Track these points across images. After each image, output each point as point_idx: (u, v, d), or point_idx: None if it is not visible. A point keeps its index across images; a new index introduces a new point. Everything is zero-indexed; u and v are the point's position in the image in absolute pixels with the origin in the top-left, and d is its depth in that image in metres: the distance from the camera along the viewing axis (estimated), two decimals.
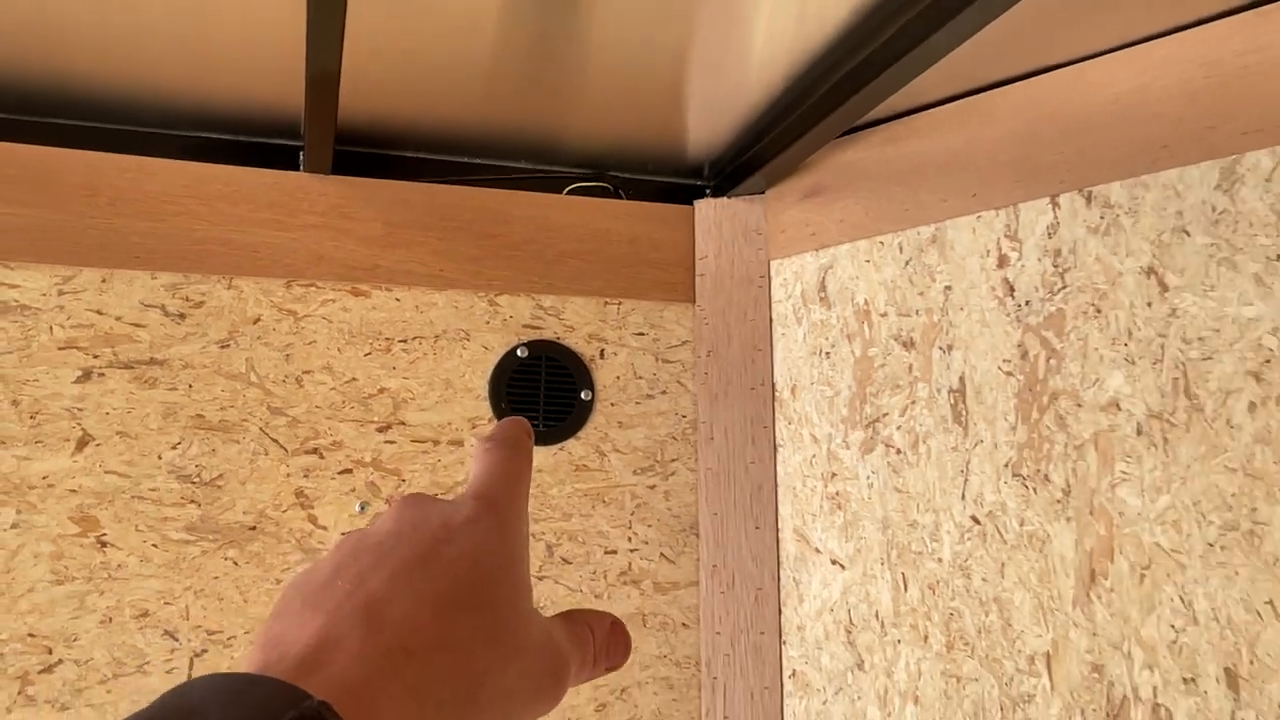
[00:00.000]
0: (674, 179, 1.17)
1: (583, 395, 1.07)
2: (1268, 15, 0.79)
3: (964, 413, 0.94)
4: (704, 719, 1.05)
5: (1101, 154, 0.88)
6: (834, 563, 1.03)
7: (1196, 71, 0.83)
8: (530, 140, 1.09)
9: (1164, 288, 0.82)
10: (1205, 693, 0.77)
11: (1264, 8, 0.80)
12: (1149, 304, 0.83)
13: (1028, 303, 0.91)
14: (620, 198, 1.13)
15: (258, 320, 0.98)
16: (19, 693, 0.88)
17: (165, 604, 0.93)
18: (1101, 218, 0.87)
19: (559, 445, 1.06)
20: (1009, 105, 0.94)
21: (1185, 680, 0.78)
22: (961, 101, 0.97)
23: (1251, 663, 0.75)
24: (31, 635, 0.89)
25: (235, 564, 0.95)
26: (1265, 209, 0.77)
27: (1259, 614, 0.75)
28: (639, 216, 1.12)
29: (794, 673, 1.06)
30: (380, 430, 1.01)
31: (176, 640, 0.92)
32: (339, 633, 0.27)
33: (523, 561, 0.34)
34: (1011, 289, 0.92)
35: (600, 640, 0.35)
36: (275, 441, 0.97)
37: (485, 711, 0.29)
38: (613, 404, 1.08)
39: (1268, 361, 0.76)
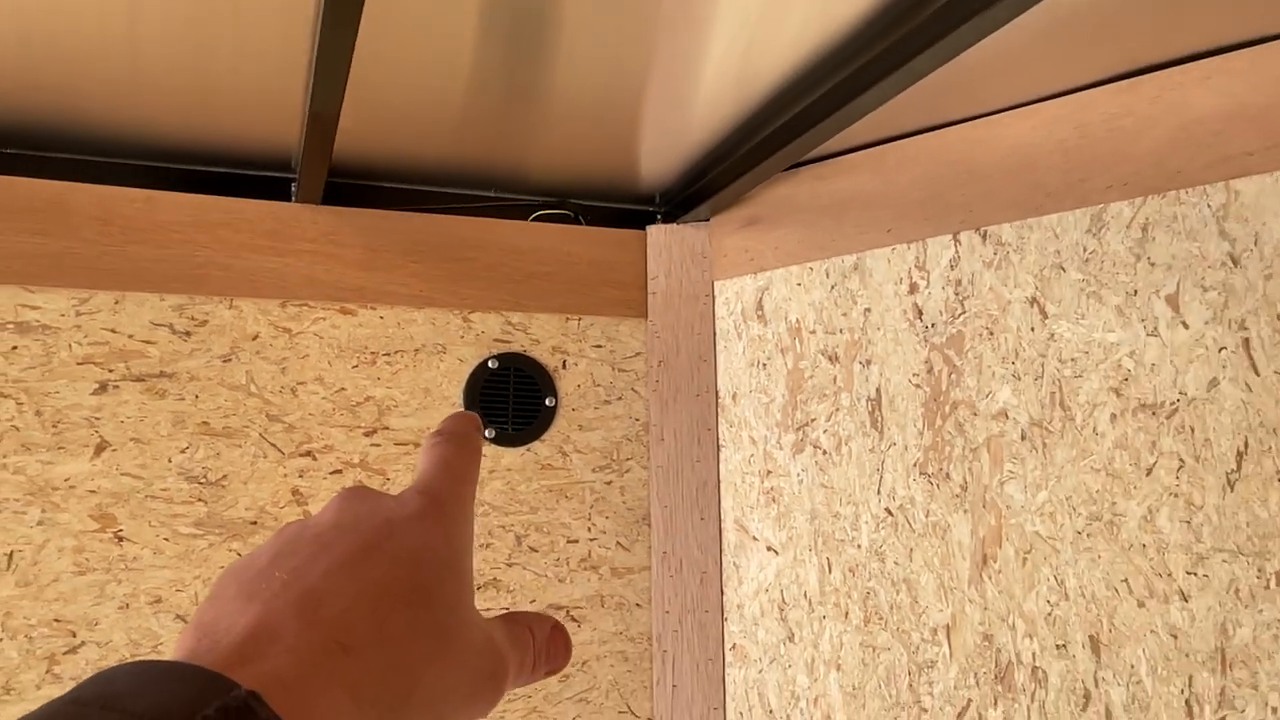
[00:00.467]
0: (628, 206, 1.30)
1: (547, 402, 1.20)
2: (1134, 86, 0.94)
3: (880, 419, 1.09)
4: (655, 688, 1.19)
5: (995, 198, 1.02)
6: (769, 549, 1.17)
7: (1071, 132, 0.97)
8: (499, 171, 1.20)
9: (1044, 315, 0.97)
10: (1074, 656, 0.92)
11: (1131, 79, 0.95)
12: (1032, 329, 0.98)
13: (933, 325, 1.05)
14: (580, 223, 1.25)
15: (256, 337, 1.10)
16: (46, 672, 0.99)
17: (177, 591, 1.04)
18: (995, 253, 1.01)
19: (526, 447, 1.18)
20: (920, 152, 1.08)
21: (1058, 647, 0.94)
22: (881, 147, 1.11)
23: (1110, 631, 0.90)
24: (57, 620, 1.00)
25: (239, 555, 1.06)
26: (1125, 251, 0.92)
27: (1116, 590, 0.90)
28: (597, 241, 1.25)
29: (734, 645, 1.20)
30: (367, 435, 1.12)
31: (187, 623, 1.04)
32: (274, 624, 0.27)
33: (466, 560, 0.33)
34: (920, 312, 1.07)
35: (540, 643, 0.35)
36: (273, 445, 1.09)
37: (420, 710, 0.28)
38: (574, 409, 1.21)
39: (1126, 380, 0.91)
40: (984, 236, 1.03)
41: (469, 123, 1.08)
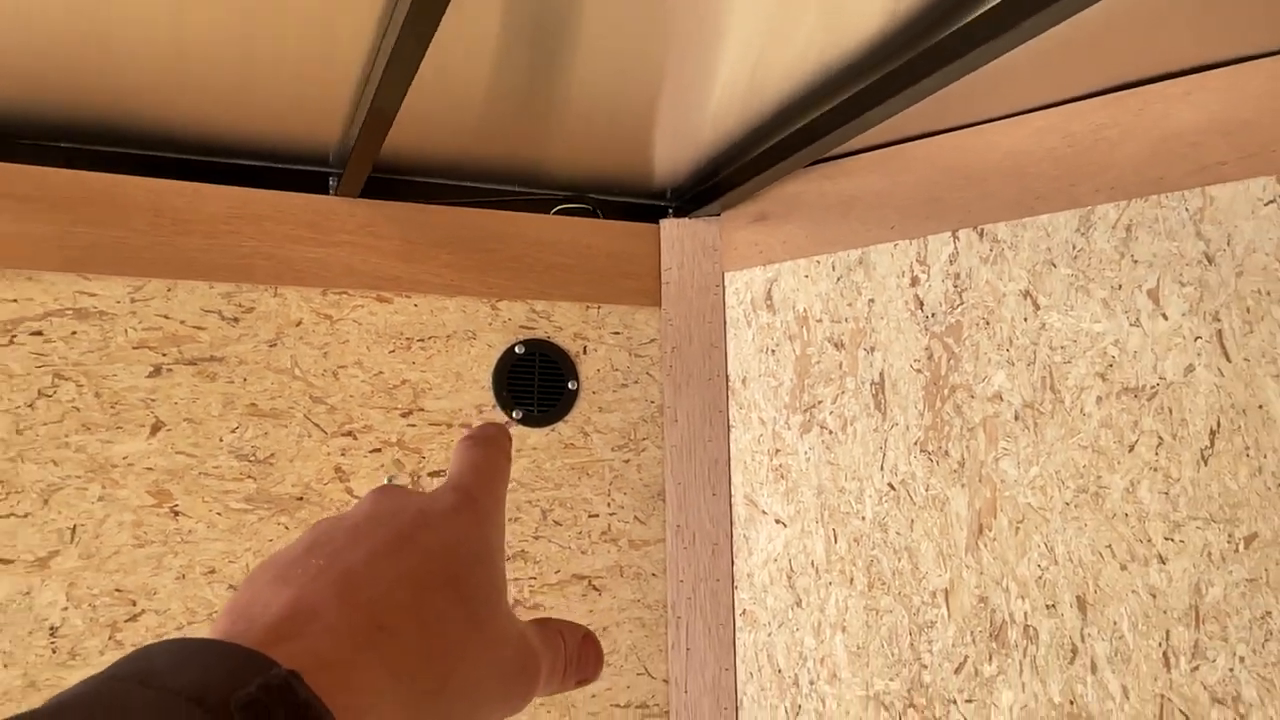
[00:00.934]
0: (642, 200, 1.37)
1: (570, 385, 1.27)
2: (1119, 99, 1.04)
3: (883, 401, 1.18)
4: (670, 651, 1.28)
5: (992, 200, 1.11)
6: (777, 522, 1.26)
7: (1061, 140, 1.07)
8: (522, 167, 1.27)
9: (1036, 307, 1.07)
10: (1062, 615, 1.02)
11: (1116, 93, 1.04)
12: (1025, 319, 1.07)
13: (934, 315, 1.15)
14: (598, 217, 1.33)
15: (300, 323, 1.16)
16: (109, 638, 1.05)
17: (229, 562, 1.10)
18: (991, 250, 1.11)
19: (550, 427, 1.26)
20: (922, 156, 1.17)
21: (1048, 607, 1.04)
22: (885, 150, 1.20)
23: (1095, 592, 1.00)
24: (119, 590, 1.06)
25: (286, 528, 1.13)
26: (1111, 249, 1.02)
27: (1101, 555, 1.00)
28: (614, 233, 1.32)
29: (744, 611, 1.29)
30: (403, 415, 1.19)
31: (221, 610, 1.10)
32: (312, 604, 0.27)
33: (498, 555, 0.33)
34: (921, 303, 1.16)
35: (572, 649, 0.35)
36: (317, 425, 1.15)
37: (455, 699, 0.28)
38: (594, 392, 1.29)
39: (1110, 365, 1.01)
40: (981, 234, 1.12)
41: (494, 122, 1.14)
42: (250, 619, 0.26)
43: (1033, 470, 1.06)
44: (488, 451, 0.37)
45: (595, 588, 1.26)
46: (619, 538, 1.28)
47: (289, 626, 0.26)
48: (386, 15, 0.87)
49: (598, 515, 1.27)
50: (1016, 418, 1.07)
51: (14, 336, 1.05)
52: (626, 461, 1.30)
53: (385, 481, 1.17)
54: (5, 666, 1.01)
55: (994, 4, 0.83)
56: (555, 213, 1.31)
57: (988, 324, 1.10)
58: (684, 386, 1.31)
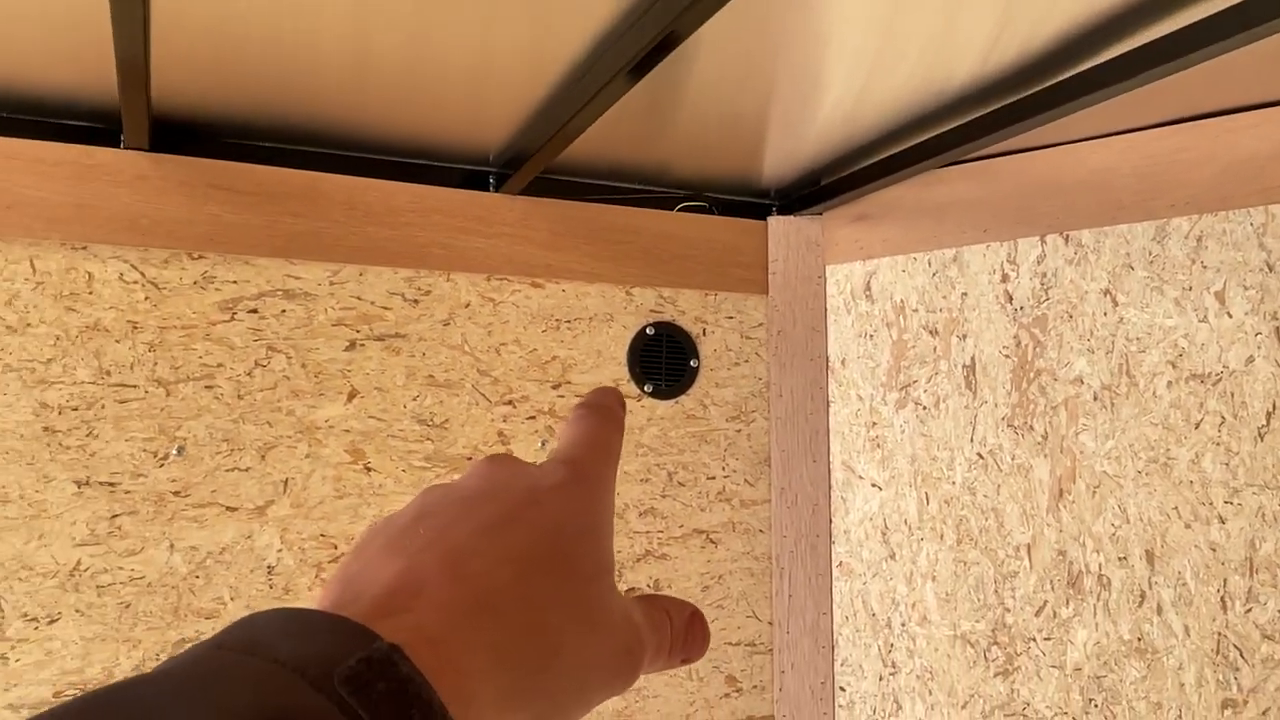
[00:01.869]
0: (752, 199, 1.54)
1: (692, 363, 1.44)
2: (1196, 127, 1.21)
3: (974, 382, 1.36)
4: (774, 598, 1.46)
5: (1077, 210, 1.29)
6: (873, 485, 1.44)
7: (1143, 160, 1.24)
8: (650, 168, 1.44)
9: (1115, 303, 1.24)
10: (1132, 566, 1.21)
11: (1193, 121, 1.21)
12: (1105, 313, 1.25)
13: (1021, 308, 1.32)
14: (714, 214, 1.49)
15: (468, 305, 1.32)
16: (315, 578, 1.21)
17: None
18: (1075, 253, 1.28)
19: (675, 400, 1.43)
20: (1015, 170, 1.34)
21: (1119, 559, 1.22)
22: (980, 163, 1.37)
23: (1162, 546, 1.19)
24: (323, 535, 1.22)
25: None
26: (1183, 257, 1.20)
27: (1168, 515, 1.19)
28: (728, 229, 1.49)
29: (840, 563, 1.47)
30: (554, 388, 1.36)
31: (329, 576, 1.27)
32: (419, 578, 0.27)
33: (607, 533, 0.33)
34: (1010, 298, 1.33)
35: (678, 628, 0.34)
36: (483, 395, 1.32)
37: (559, 679, 0.28)
38: (712, 369, 1.46)
39: (1180, 355, 1.19)
40: (1066, 239, 1.29)
41: (628, 127, 1.30)
42: (358, 590, 0.27)
43: (1109, 443, 1.24)
44: (600, 423, 0.36)
45: (712, 541, 1.43)
46: (732, 497, 1.45)
47: (395, 600, 0.26)
48: (594, 54, 1.03)
49: (714, 478, 1.45)
50: (1095, 398, 1.25)
51: (234, 314, 1.20)
52: (738, 431, 1.47)
53: (539, 446, 1.34)
54: (232, 600, 1.17)
55: (1083, 69, 1.00)
56: (678, 209, 1.47)
57: (1071, 317, 1.28)
58: (788, 365, 1.48)
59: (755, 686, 1.44)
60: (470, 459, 1.30)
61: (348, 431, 1.25)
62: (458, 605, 0.26)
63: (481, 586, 0.27)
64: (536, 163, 1.23)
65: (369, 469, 1.25)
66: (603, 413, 0.37)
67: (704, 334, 1.46)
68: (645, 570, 1.39)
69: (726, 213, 1.50)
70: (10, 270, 1.10)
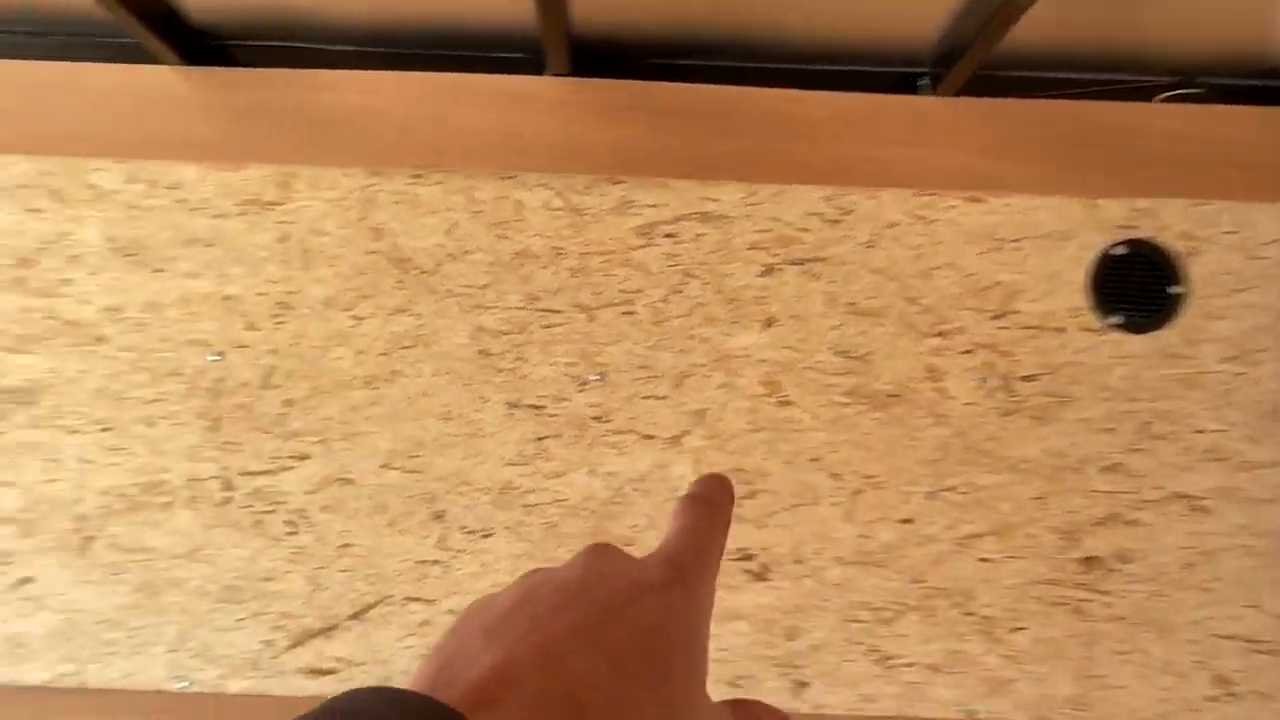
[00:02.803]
0: (1260, 81, 1.21)
1: (1173, 289, 1.17)
2: None
3: None
4: None
5: None
6: None
7: None
8: (1119, 53, 1.18)
9: None
10: None
11: None
12: None
13: None
14: (1209, 102, 1.19)
15: (895, 225, 1.18)
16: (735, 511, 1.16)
17: (831, 452, 1.17)
18: None
19: (1151, 334, 1.17)
20: None
21: None
22: None
23: None
24: (738, 469, 1.16)
25: (881, 424, 1.17)
26: None
27: None
28: (1227, 119, 1.18)
29: None
30: (994, 318, 1.18)
31: (840, 480, 1.17)
32: (515, 670, 0.27)
33: (703, 638, 0.32)
34: None
35: None
36: (910, 325, 1.17)
37: None
38: (1202, 298, 1.18)
39: None
40: None
41: (1084, 5, 1.06)
42: (454, 674, 0.27)
43: None
44: (706, 520, 0.36)
45: (1199, 509, 1.16)
46: (1228, 457, 1.17)
47: (490, 692, 0.26)
48: None
49: (1204, 431, 1.17)
50: None
51: (651, 239, 1.18)
52: (1239, 375, 1.17)
53: (977, 384, 1.17)
54: (649, 528, 1.16)
55: None
56: (1160, 100, 1.20)
57: None
58: None
59: (1254, 693, 1.16)
60: (895, 396, 1.17)
61: (763, 361, 1.17)
62: (548, 702, 0.26)
63: (574, 683, 0.27)
64: (974, 55, 1.05)
65: (785, 403, 1.17)
66: (710, 508, 0.36)
67: (1192, 253, 1.18)
68: (1107, 537, 1.16)
69: (1226, 100, 1.20)
70: (451, 200, 1.17)
